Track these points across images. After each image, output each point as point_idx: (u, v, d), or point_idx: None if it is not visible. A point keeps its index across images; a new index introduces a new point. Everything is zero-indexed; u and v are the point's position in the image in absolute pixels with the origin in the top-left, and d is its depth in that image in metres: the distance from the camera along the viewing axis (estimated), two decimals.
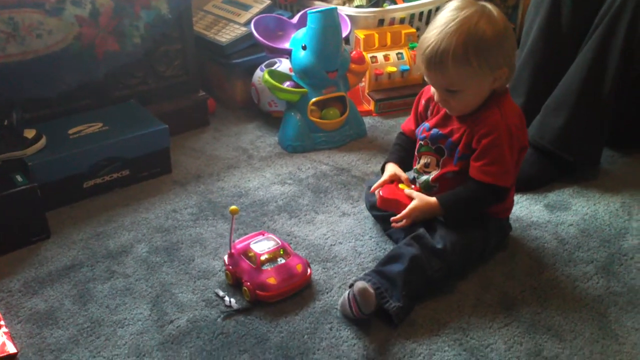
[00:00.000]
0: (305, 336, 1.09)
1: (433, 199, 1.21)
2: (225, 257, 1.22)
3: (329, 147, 1.71)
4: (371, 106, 1.91)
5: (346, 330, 1.10)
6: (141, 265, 1.27)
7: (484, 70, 1.11)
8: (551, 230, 1.36)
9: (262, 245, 1.20)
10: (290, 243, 1.33)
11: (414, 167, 1.30)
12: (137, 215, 1.43)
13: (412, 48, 1.94)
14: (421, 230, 1.18)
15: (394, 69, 1.90)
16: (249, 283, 1.16)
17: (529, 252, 1.30)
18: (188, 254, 1.31)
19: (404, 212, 1.22)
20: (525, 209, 1.43)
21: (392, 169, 1.31)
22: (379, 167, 1.58)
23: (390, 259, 1.16)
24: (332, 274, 1.24)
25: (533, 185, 1.49)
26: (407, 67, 1.91)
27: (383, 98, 1.89)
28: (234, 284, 1.20)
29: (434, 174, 1.24)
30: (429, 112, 1.29)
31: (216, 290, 1.20)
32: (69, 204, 1.47)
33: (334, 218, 1.42)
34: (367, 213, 1.42)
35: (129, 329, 1.12)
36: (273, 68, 1.81)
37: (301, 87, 1.69)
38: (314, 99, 1.68)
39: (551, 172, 1.52)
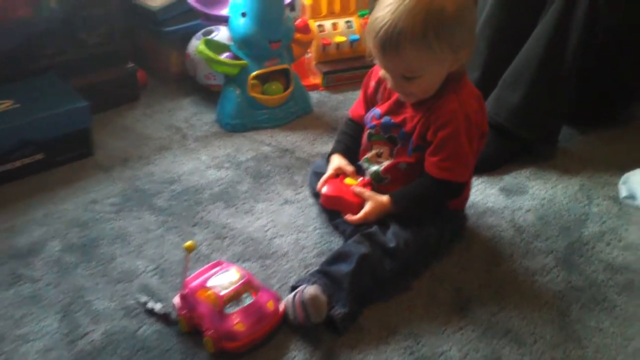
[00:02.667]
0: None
1: (385, 198, 1.09)
2: (177, 299, 1.00)
3: (272, 125, 1.57)
4: (318, 79, 1.76)
5: (284, 339, 0.98)
6: (52, 267, 1.12)
7: (445, 52, 0.99)
8: (508, 217, 1.27)
9: (222, 280, 0.98)
10: (226, 237, 1.20)
11: (365, 157, 1.17)
12: (52, 206, 1.27)
13: (362, 16, 1.80)
14: (373, 228, 1.06)
15: (342, 38, 1.75)
16: (211, 332, 0.95)
17: (485, 242, 1.20)
18: (108, 252, 1.15)
19: (356, 217, 1.09)
20: (480, 193, 1.33)
21: (337, 161, 1.18)
22: (325, 148, 1.47)
23: (337, 257, 1.04)
24: (270, 273, 1.12)
25: (488, 166, 1.38)
26: (357, 36, 1.76)
27: (331, 70, 1.74)
28: (191, 331, 0.98)
29: (385, 164, 1.12)
30: (379, 96, 1.16)
31: (137, 296, 1.06)
32: None
33: (275, 207, 1.29)
34: (311, 200, 1.29)
35: (34, 345, 0.97)
36: (210, 37, 1.63)
37: (240, 59, 1.53)
38: (254, 72, 1.52)
39: (507, 151, 1.42)
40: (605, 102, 1.55)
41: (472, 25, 1.04)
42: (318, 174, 1.23)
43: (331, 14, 1.78)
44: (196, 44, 1.60)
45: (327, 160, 1.21)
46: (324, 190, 1.13)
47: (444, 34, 0.97)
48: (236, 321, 0.96)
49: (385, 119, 1.11)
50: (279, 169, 1.40)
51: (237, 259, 1.14)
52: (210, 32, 1.67)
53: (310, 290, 0.97)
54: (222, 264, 1.04)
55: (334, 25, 1.77)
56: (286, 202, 1.30)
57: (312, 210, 1.27)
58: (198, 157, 1.44)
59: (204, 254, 1.16)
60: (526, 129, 1.40)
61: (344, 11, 1.79)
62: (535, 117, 1.40)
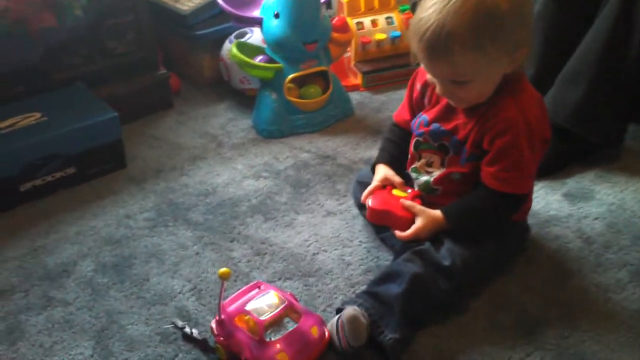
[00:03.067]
0: None
1: (438, 213, 0.99)
2: (214, 324, 0.92)
3: (311, 130, 1.48)
4: (358, 80, 1.67)
5: None
6: (85, 289, 1.06)
7: (499, 54, 0.89)
8: (574, 226, 1.15)
9: (261, 304, 0.91)
10: (266, 253, 1.12)
11: (413, 166, 1.07)
12: (84, 223, 1.21)
13: (403, 11, 1.70)
14: (425, 245, 0.97)
15: (383, 36, 1.66)
16: None
17: (550, 256, 1.09)
18: (142, 271, 1.09)
19: (406, 234, 1.00)
20: (542, 199, 1.22)
21: (383, 171, 1.09)
22: (369, 153, 1.38)
23: (387, 277, 0.95)
24: (315, 292, 1.03)
25: (549, 170, 1.27)
26: (399, 33, 1.67)
27: (372, 70, 1.65)
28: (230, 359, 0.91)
29: (436, 174, 1.02)
30: (426, 100, 1.05)
31: (174, 320, 0.98)
32: (2, 211, 1.24)
33: (317, 219, 1.20)
34: (355, 211, 1.20)
35: None
36: (243, 40, 1.56)
37: (276, 62, 1.45)
38: (291, 76, 1.44)
39: (569, 154, 1.30)
40: None
41: (529, 21, 0.93)
42: (363, 184, 1.14)
43: (370, 10, 1.68)
44: (229, 48, 1.53)
45: (371, 171, 1.12)
46: (370, 203, 1.03)
47: (498, 34, 0.87)
48: (278, 349, 0.88)
49: (435, 126, 1.01)
50: (320, 178, 1.32)
51: (278, 278, 1.06)
52: (244, 35, 1.60)
53: (349, 311, 0.89)
54: (260, 285, 0.96)
55: (374, 22, 1.67)
56: (329, 213, 1.21)
57: (357, 223, 1.18)
58: (234, 167, 1.37)
59: (243, 271, 1.08)
60: (588, 129, 1.28)
61: (384, 7, 1.69)
62: (597, 117, 1.28)
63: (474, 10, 0.85)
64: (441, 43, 0.87)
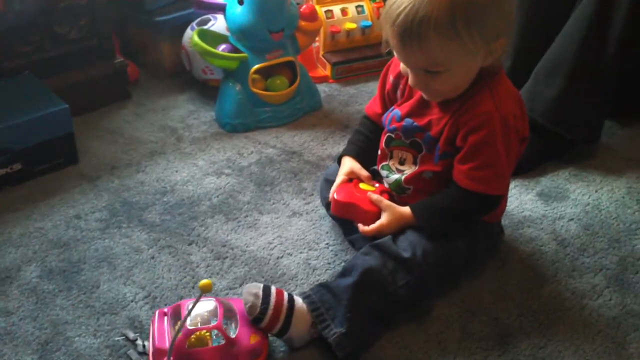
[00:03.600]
0: None
1: (406, 210, 0.94)
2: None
3: (277, 124, 1.41)
4: (327, 71, 1.60)
5: None
6: (29, 297, 0.97)
7: (476, 43, 0.83)
8: (548, 227, 1.11)
9: (200, 313, 0.84)
10: (227, 257, 1.05)
11: (384, 163, 1.01)
12: (29, 224, 1.12)
13: (374, 0, 1.63)
14: (385, 238, 0.92)
15: (353, 25, 1.59)
16: None
17: (524, 260, 1.04)
18: (91, 278, 1.01)
19: (370, 228, 0.94)
20: (516, 199, 1.18)
21: (349, 164, 1.03)
22: (337, 149, 1.32)
23: (343, 271, 0.91)
24: None
25: (523, 168, 1.22)
26: (369, 22, 1.60)
27: (341, 61, 1.58)
28: None
29: (408, 172, 0.96)
30: (398, 93, 0.99)
31: (125, 332, 0.91)
32: None
33: (282, 219, 1.13)
34: (323, 211, 1.14)
35: None
36: (205, 27, 1.47)
37: (240, 52, 1.38)
38: (256, 66, 1.37)
39: (544, 151, 1.26)
40: None
41: (509, 12, 0.87)
42: (330, 182, 1.07)
43: None
44: (190, 35, 1.44)
45: (337, 163, 1.06)
46: (335, 195, 0.98)
47: (475, 21, 0.81)
48: (250, 334, 0.84)
49: (407, 121, 0.96)
50: (286, 175, 1.25)
51: (239, 284, 1.00)
52: (207, 22, 1.51)
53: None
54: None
55: (343, 11, 1.60)
56: (294, 214, 1.15)
57: (324, 224, 1.12)
58: (195, 163, 1.29)
59: (202, 277, 1.01)
60: (564, 126, 1.24)
61: None
62: (574, 113, 1.24)
63: None
64: (414, 28, 0.81)
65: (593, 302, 0.97)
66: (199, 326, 0.83)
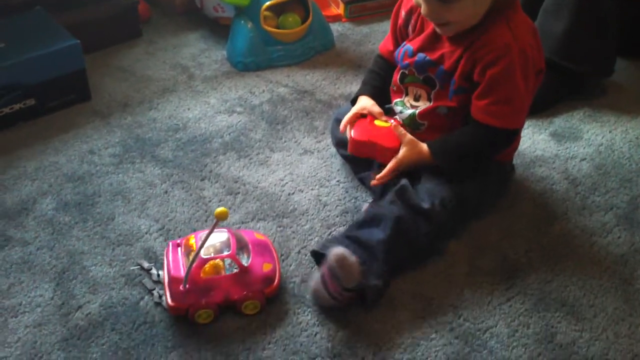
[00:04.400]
0: (253, 325, 0.84)
1: (424, 147, 0.93)
2: (170, 299, 0.84)
3: (289, 63, 1.39)
4: (340, 10, 1.57)
5: (305, 314, 0.86)
6: (45, 228, 1.00)
7: None
8: (560, 167, 1.11)
9: (212, 243, 0.86)
10: (238, 192, 1.06)
11: (398, 99, 1.00)
12: (44, 158, 1.13)
13: None
14: (404, 182, 0.92)
15: None
16: (247, 294, 0.84)
17: (534, 198, 1.05)
18: (106, 210, 1.03)
19: (388, 166, 0.94)
20: (528, 139, 1.17)
21: (364, 101, 1.02)
22: (349, 89, 1.31)
23: (369, 220, 0.90)
24: (289, 234, 0.98)
25: (537, 106, 1.20)
26: None
27: None
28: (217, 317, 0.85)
29: (422, 107, 0.96)
30: (410, 28, 0.98)
31: (140, 262, 0.93)
32: None
33: (293, 157, 1.14)
34: (333, 150, 1.14)
35: (24, 319, 0.86)
36: None
37: None
38: (267, 3, 1.35)
39: (557, 89, 1.24)
40: None
41: None
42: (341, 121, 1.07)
43: None
44: None
45: (352, 104, 1.05)
46: (353, 133, 0.96)
47: None
48: (263, 263, 0.87)
49: (420, 56, 0.94)
50: (298, 114, 1.25)
51: (250, 218, 1.01)
52: None
53: (336, 251, 0.82)
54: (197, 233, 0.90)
55: None
56: (305, 152, 1.15)
57: (335, 162, 1.12)
58: (206, 101, 1.29)
59: (213, 212, 1.02)
60: (574, 60, 1.21)
61: None
62: (582, 47, 1.21)
63: None
64: None
65: (602, 240, 0.97)
66: (213, 255, 0.85)
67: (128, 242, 0.97)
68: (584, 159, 1.12)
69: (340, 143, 1.08)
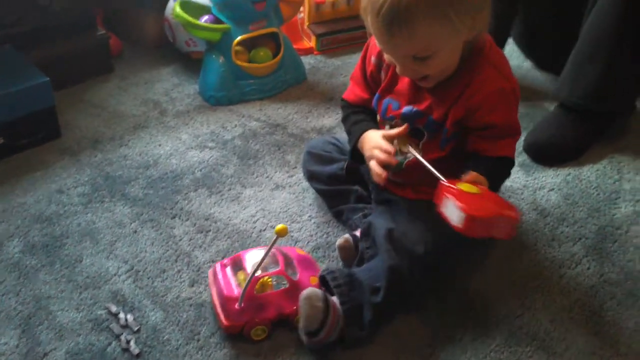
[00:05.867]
0: None
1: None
2: (224, 318, 0.86)
3: (261, 97, 1.40)
4: (312, 43, 1.59)
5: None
6: (11, 272, 0.98)
7: (463, 20, 0.79)
8: (529, 197, 1.12)
9: (255, 259, 0.88)
10: (209, 230, 1.05)
11: None
12: (12, 199, 1.12)
13: None
14: (398, 233, 0.89)
15: None
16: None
17: None
18: (74, 252, 1.01)
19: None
20: None
21: (375, 135, 0.93)
22: (321, 122, 1.32)
23: (369, 275, 0.88)
24: None
25: (575, 153, 1.22)
26: None
27: (326, 32, 1.57)
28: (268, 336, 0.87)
29: (411, 157, 0.92)
30: (382, 73, 0.95)
31: (108, 305, 0.92)
32: None
33: (265, 192, 1.14)
34: (306, 184, 1.14)
35: None
36: None
37: (222, 23, 1.36)
38: (239, 37, 1.35)
39: (591, 133, 1.24)
40: None
41: None
42: (313, 155, 1.07)
43: None
44: (173, 7, 1.42)
45: (346, 172, 1.04)
46: (463, 210, 0.76)
47: None
48: (309, 276, 0.90)
49: (407, 108, 0.92)
50: (269, 148, 1.25)
51: (221, 256, 1.00)
52: None
53: (308, 291, 0.83)
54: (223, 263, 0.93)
55: None
56: (277, 186, 1.15)
57: (307, 196, 1.12)
58: (178, 136, 1.28)
59: (184, 251, 1.01)
60: (609, 103, 1.22)
61: None
62: (618, 89, 1.21)
63: None
64: (402, 15, 0.77)
65: (571, 271, 0.98)
66: (262, 273, 0.87)
67: (96, 285, 0.96)
68: (552, 189, 1.14)
69: (313, 177, 1.08)
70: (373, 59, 0.96)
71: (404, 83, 0.92)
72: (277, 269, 0.88)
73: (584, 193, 1.13)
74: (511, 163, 0.94)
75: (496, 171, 0.91)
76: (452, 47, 0.84)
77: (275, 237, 0.81)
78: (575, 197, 1.12)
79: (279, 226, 0.81)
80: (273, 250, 0.88)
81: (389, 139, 0.90)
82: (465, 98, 0.88)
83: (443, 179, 0.81)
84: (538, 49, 1.48)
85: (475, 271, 0.97)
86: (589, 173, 1.18)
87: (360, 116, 0.99)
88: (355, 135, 0.96)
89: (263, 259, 0.83)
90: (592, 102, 1.22)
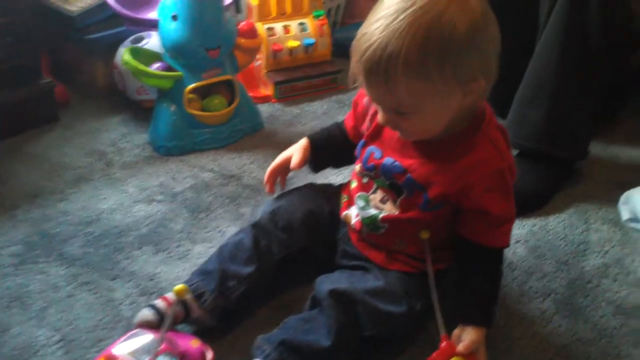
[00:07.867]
0: None
1: (481, 331, 0.83)
2: None
3: (215, 146, 1.34)
4: (270, 91, 1.54)
5: None
6: None
7: (448, 84, 0.74)
8: None
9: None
10: (153, 292, 0.97)
11: (362, 194, 0.90)
12: None
13: (317, 17, 1.58)
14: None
15: (296, 43, 1.53)
16: None
17: None
18: (1, 319, 0.91)
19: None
20: None
21: (299, 150, 0.97)
22: None
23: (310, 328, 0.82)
24: (208, 339, 0.89)
25: (539, 201, 1.18)
26: (312, 40, 1.55)
27: (284, 80, 1.52)
28: None
29: (387, 213, 0.87)
30: (367, 119, 0.90)
31: None
32: None
33: (216, 249, 1.06)
34: None
35: None
36: (139, 45, 1.40)
37: (175, 70, 1.30)
38: (191, 85, 1.30)
39: (553, 177, 1.20)
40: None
41: (488, 49, 0.76)
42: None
43: (282, 15, 1.56)
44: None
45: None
46: None
47: (448, 60, 0.72)
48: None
49: (388, 160, 0.85)
50: (223, 200, 1.18)
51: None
52: (141, 39, 1.44)
53: None
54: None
55: (286, 28, 1.55)
56: None
57: None
58: (124, 189, 1.20)
59: (124, 316, 0.92)
60: (554, 145, 1.19)
61: (297, 12, 1.57)
62: (563, 131, 1.18)
63: (425, 29, 0.70)
64: (381, 65, 0.72)
65: (543, 329, 0.92)
66: None
67: (22, 357, 0.86)
68: (519, 241, 1.09)
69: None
70: (364, 101, 0.91)
71: (393, 132, 0.85)
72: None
73: (552, 245, 1.08)
74: (502, 251, 0.87)
75: (498, 267, 0.87)
76: (437, 109, 0.77)
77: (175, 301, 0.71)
78: (542, 249, 1.07)
79: (177, 286, 0.71)
80: (155, 336, 0.79)
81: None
82: (459, 171, 0.81)
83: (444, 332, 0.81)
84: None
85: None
86: (555, 223, 1.13)
87: (330, 132, 1.00)
88: (316, 132, 1.00)
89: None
90: (535, 142, 1.19)
